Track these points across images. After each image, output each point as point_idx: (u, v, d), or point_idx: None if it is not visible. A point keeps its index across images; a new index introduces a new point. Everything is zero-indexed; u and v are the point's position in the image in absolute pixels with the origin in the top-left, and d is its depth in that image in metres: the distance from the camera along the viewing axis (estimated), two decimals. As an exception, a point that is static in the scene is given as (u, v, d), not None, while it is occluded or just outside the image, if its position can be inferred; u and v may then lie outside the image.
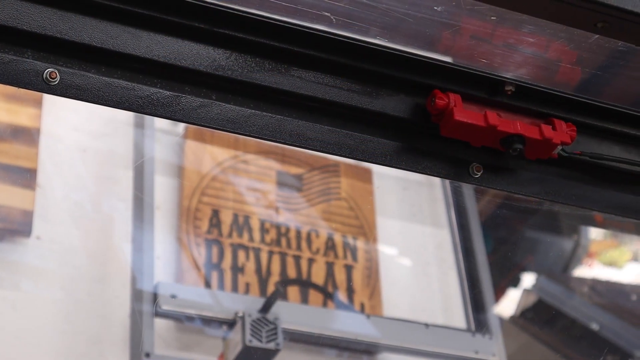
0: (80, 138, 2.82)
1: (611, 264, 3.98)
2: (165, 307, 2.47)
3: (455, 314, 2.91)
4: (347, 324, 2.66)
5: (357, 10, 1.32)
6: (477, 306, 2.90)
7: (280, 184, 2.88)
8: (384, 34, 1.36)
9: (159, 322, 2.46)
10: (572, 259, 4.00)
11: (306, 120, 1.28)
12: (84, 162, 2.81)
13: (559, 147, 1.32)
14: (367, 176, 3.04)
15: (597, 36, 1.24)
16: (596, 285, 3.64)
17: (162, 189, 2.80)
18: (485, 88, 1.30)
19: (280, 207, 2.87)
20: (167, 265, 2.67)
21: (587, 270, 3.89)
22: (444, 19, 1.34)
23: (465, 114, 1.25)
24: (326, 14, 1.27)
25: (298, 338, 2.51)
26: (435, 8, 1.29)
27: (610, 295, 3.57)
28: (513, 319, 3.66)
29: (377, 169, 2.99)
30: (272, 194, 2.89)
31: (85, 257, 2.67)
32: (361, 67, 1.27)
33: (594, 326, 3.31)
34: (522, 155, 1.32)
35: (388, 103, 1.30)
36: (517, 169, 1.39)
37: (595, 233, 3.94)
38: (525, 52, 1.46)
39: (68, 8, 1.13)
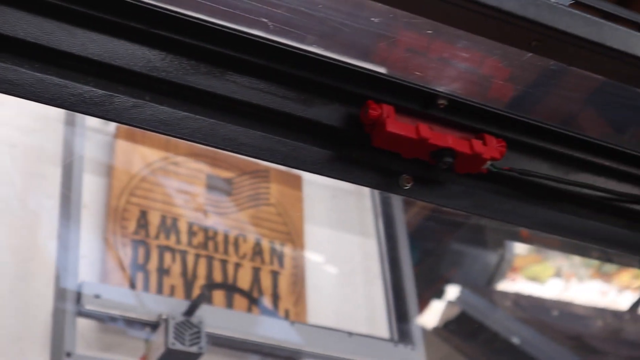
0: (9, 133, 2.79)
1: (534, 279, 4.03)
2: (88, 306, 2.45)
3: (379, 323, 2.92)
4: (271, 329, 2.66)
5: (295, 17, 1.32)
6: (400, 316, 2.92)
7: (210, 187, 2.88)
8: (321, 43, 1.37)
9: (82, 322, 2.44)
10: (496, 272, 4.04)
11: (239, 125, 1.27)
12: (12, 158, 2.78)
13: (489, 162, 1.33)
14: (296, 183, 3.04)
15: (530, 54, 1.25)
16: (519, 300, 3.69)
17: (91, 187, 2.78)
18: (418, 101, 1.31)
19: (209, 210, 2.87)
20: (92, 264, 2.65)
21: (511, 285, 3.93)
22: (380, 31, 1.35)
23: (398, 125, 1.26)
24: (264, 20, 1.26)
25: (221, 342, 2.51)
26: (373, 19, 1.30)
27: (533, 310, 3.62)
28: (436, 330, 3.70)
29: (307, 176, 3.00)
30: (201, 196, 2.89)
31: (9, 254, 2.64)
32: (296, 74, 1.27)
33: (515, 340, 3.35)
34: (452, 169, 1.33)
35: (322, 111, 1.30)
36: (446, 182, 1.40)
37: (520, 248, 3.99)
38: (460, 66, 1.47)
39: (2, 2, 1.12)
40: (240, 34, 1.21)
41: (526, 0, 1.16)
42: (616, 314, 4.01)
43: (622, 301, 4.08)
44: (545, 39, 1.21)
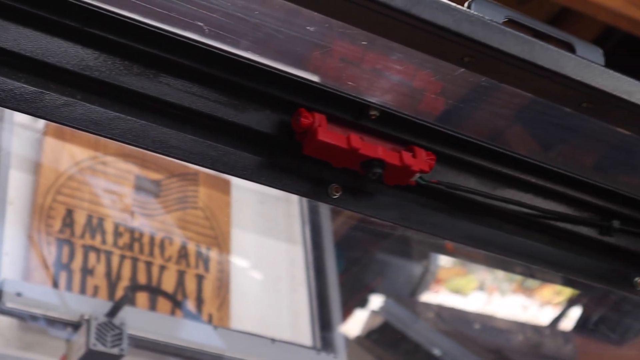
0: None
1: (457, 291, 4.08)
2: (9, 304, 2.43)
3: (303, 330, 2.94)
4: (193, 333, 2.66)
5: (230, 22, 1.32)
6: (324, 324, 2.93)
7: (138, 188, 2.87)
8: (255, 48, 1.37)
9: (2, 320, 2.42)
10: (420, 284, 4.08)
11: (170, 128, 1.27)
12: (-64, 151, 2.76)
13: (417, 175, 1.34)
14: (225, 187, 3.05)
15: (462, 69, 1.26)
16: (441, 312, 3.72)
17: (17, 184, 2.76)
18: (350, 111, 1.32)
19: (135, 211, 2.86)
20: (15, 262, 2.63)
21: (434, 296, 3.97)
22: (315, 39, 1.35)
23: (329, 134, 1.27)
24: (199, 23, 1.26)
25: (143, 345, 2.50)
26: (308, 28, 1.30)
27: (455, 323, 3.66)
28: (359, 339, 3.72)
29: (236, 180, 3.00)
30: (129, 197, 2.88)
31: None
32: (230, 79, 1.27)
33: (437, 352, 3.38)
34: (381, 180, 1.34)
35: (254, 117, 1.30)
36: (375, 193, 1.41)
37: (444, 260, 4.03)
38: (392, 78, 1.48)
39: None
40: (175, 36, 1.21)
41: (460, 16, 1.17)
42: (537, 329, 4.07)
43: (543, 316, 4.14)
44: (478, 55, 1.23)
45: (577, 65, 1.27)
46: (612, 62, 1.39)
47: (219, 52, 1.25)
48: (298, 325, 2.98)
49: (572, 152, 2.13)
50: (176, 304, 2.70)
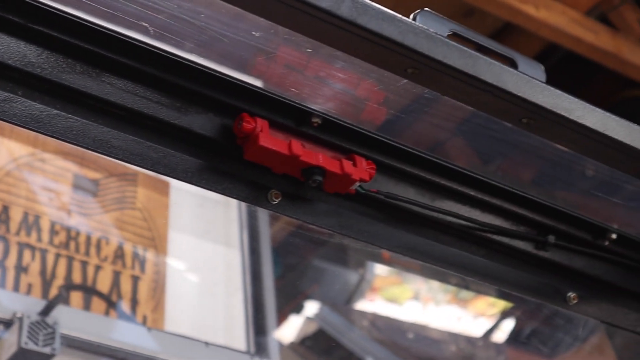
0: None
1: (393, 300, 4.10)
2: (-61, 300, 2.40)
3: (237, 335, 2.94)
4: (127, 335, 2.65)
5: (175, 24, 1.32)
6: (259, 329, 2.94)
7: (76, 186, 2.85)
8: (199, 51, 1.36)
9: None
10: (356, 292, 4.09)
11: (112, 128, 1.26)
12: None
13: (357, 184, 1.35)
14: (164, 189, 3.04)
15: (406, 80, 1.27)
16: (376, 320, 3.74)
17: (-48, 179, 2.73)
18: (293, 117, 1.32)
19: (73, 210, 2.85)
20: (-52, 258, 2.61)
21: (369, 305, 3.99)
22: (260, 45, 1.35)
23: (270, 140, 1.27)
24: (144, 24, 1.26)
25: (76, 344, 2.48)
26: (253, 33, 1.31)
27: (389, 331, 3.67)
28: (293, 345, 3.72)
29: (175, 182, 2.99)
30: (67, 196, 2.86)
31: None
32: (173, 81, 1.27)
33: (369, 360, 3.39)
34: (321, 188, 1.34)
35: (196, 120, 1.30)
36: (314, 200, 1.41)
37: (380, 269, 4.05)
38: (336, 87, 1.48)
39: None
40: (119, 36, 1.20)
41: (405, 28, 1.18)
42: (470, 340, 4.10)
43: (476, 328, 4.17)
44: (421, 67, 1.23)
45: (518, 81, 1.28)
46: (554, 79, 1.41)
47: (163, 53, 1.24)
48: (232, 330, 2.98)
49: (511, 167, 2.14)
50: (111, 304, 2.69)
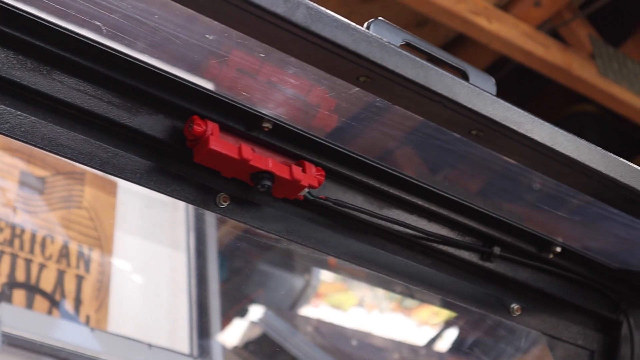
0: None
1: (337, 307, 4.11)
2: None
3: (180, 337, 2.94)
4: (70, 334, 2.64)
5: (129, 24, 1.31)
6: (202, 332, 2.94)
7: (22, 183, 2.83)
8: (152, 52, 1.36)
9: None
10: (301, 297, 4.11)
11: (61, 126, 1.25)
12: None
13: (306, 190, 1.35)
14: (111, 189, 3.04)
15: (357, 89, 1.27)
16: (320, 326, 3.75)
17: None
18: (243, 121, 1.32)
19: (18, 207, 2.83)
20: None
21: (314, 311, 4.00)
22: (213, 48, 1.35)
23: (221, 144, 1.26)
24: (97, 23, 1.25)
25: (18, 343, 2.46)
26: (207, 36, 1.30)
27: (333, 338, 3.69)
28: (236, 349, 3.73)
29: (123, 182, 2.98)
30: (12, 192, 2.84)
31: None
32: (124, 81, 1.26)
33: (312, 366, 3.40)
34: (270, 193, 1.34)
35: (146, 121, 1.29)
36: (262, 205, 1.41)
37: (326, 275, 4.06)
38: (287, 92, 1.48)
39: None
40: (71, 34, 1.19)
41: (359, 37, 1.18)
42: (413, 349, 4.13)
43: (419, 336, 4.20)
44: (373, 76, 1.23)
45: (469, 93, 1.28)
46: (504, 91, 1.42)
47: (115, 53, 1.23)
48: (176, 332, 2.98)
49: (458, 177, 2.16)
50: (54, 303, 2.67)
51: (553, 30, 4.30)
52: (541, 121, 1.38)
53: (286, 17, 1.12)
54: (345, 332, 3.92)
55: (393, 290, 4.17)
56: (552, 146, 1.38)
